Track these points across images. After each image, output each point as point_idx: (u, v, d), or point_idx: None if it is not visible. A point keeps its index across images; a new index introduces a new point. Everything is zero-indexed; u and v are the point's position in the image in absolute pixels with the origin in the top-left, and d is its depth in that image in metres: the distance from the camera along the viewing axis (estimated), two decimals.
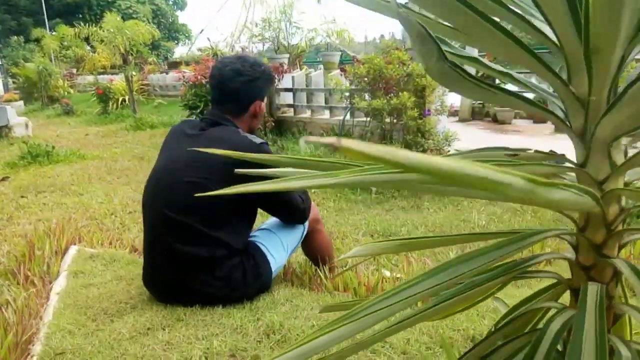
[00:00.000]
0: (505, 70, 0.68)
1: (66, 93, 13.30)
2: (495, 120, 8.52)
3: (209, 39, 15.72)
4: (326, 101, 6.74)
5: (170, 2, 22.74)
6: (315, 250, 2.17)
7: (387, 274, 2.40)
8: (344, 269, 2.23)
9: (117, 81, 11.40)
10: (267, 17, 7.39)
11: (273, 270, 1.92)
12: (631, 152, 0.61)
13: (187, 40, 22.23)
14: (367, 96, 4.69)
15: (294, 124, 6.86)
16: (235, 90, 1.86)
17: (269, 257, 1.90)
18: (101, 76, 12.97)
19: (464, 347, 1.51)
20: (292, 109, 7.03)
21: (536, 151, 0.66)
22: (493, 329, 0.83)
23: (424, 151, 4.54)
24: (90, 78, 13.86)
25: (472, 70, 0.68)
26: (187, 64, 15.52)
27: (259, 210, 1.94)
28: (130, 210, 3.98)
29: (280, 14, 7.68)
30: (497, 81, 1.26)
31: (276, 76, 6.77)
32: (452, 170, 0.32)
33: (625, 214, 0.64)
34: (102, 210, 3.93)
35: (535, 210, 3.74)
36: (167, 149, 1.91)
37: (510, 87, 0.79)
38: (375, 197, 4.20)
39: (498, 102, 0.64)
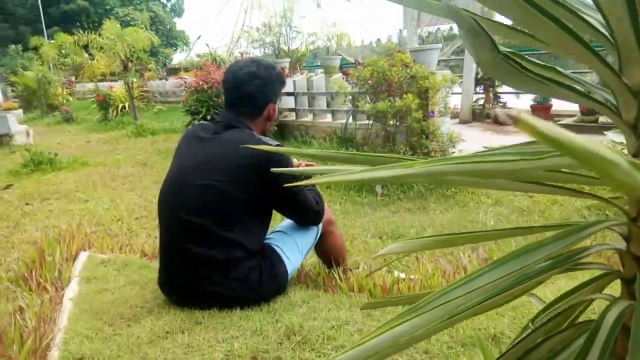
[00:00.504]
0: (547, 64, 0.68)
1: (65, 101, 13.31)
2: (496, 121, 8.52)
3: (207, 45, 15.71)
4: (328, 105, 6.75)
5: (168, 9, 22.83)
6: (328, 251, 2.17)
7: (402, 275, 2.39)
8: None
9: (117, 88, 11.41)
10: (267, 22, 7.41)
11: (289, 272, 1.92)
12: None
13: (185, 47, 22.33)
14: (368, 98, 4.70)
15: (296, 128, 6.87)
16: (251, 93, 1.86)
17: (285, 259, 1.90)
18: (101, 83, 12.98)
19: (485, 346, 1.51)
20: (293, 113, 7.04)
21: None
22: (532, 326, 0.83)
23: (428, 153, 4.55)
24: (90, 85, 13.87)
25: None
26: (186, 70, 15.54)
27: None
28: (137, 216, 3.98)
29: (280, 19, 7.70)
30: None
31: None
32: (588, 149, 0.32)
33: None
34: (109, 217, 3.93)
35: (543, 211, 3.75)
36: (180, 153, 1.91)
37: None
38: (381, 199, 4.20)
39: (550, 94, 0.65)
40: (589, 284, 0.77)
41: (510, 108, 8.65)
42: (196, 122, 6.83)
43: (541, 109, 8.40)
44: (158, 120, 10.40)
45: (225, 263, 1.74)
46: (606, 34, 0.57)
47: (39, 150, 6.24)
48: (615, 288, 0.72)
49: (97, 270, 2.42)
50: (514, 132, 7.90)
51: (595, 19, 0.58)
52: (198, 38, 21.30)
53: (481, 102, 9.09)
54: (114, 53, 9.16)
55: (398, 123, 4.62)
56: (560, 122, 7.66)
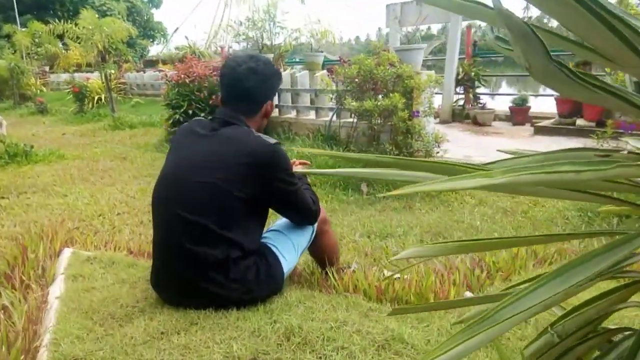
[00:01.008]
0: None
1: (39, 91, 12.93)
2: (476, 122, 8.63)
3: (186, 38, 15.52)
4: (311, 102, 6.72)
5: (146, 0, 22.38)
6: (322, 251, 2.16)
7: (388, 274, 2.39)
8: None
9: (94, 79, 11.14)
10: (251, 16, 7.34)
11: (285, 272, 1.90)
12: None
13: (162, 39, 21.97)
14: (354, 97, 4.70)
15: (279, 124, 6.82)
16: (250, 89, 1.84)
17: (281, 259, 1.89)
18: (77, 74, 12.66)
19: (484, 346, 1.52)
20: (277, 110, 6.99)
21: (629, 152, 0.66)
22: (552, 332, 0.84)
23: (412, 152, 4.58)
24: (65, 76, 13.50)
25: None
26: (164, 62, 15.29)
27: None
28: (119, 212, 3.90)
29: (264, 14, 7.63)
30: None
31: None
32: None
33: None
34: (89, 212, 3.84)
35: (525, 211, 3.81)
36: (178, 149, 1.87)
37: None
38: (367, 197, 4.21)
39: (602, 103, 0.65)
40: (614, 292, 0.78)
41: (489, 109, 8.78)
42: (177, 116, 6.72)
43: (520, 110, 8.55)
44: (136, 113, 10.21)
45: (224, 263, 1.71)
46: None
47: (13, 141, 6.05)
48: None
49: (83, 267, 2.36)
50: (493, 133, 8.01)
51: None
52: (175, 30, 21.00)
53: (461, 102, 9.19)
54: (91, 43, 8.93)
55: (382, 122, 4.63)
56: (539, 124, 7.80)
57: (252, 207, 1.79)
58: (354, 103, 4.28)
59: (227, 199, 1.72)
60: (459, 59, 8.97)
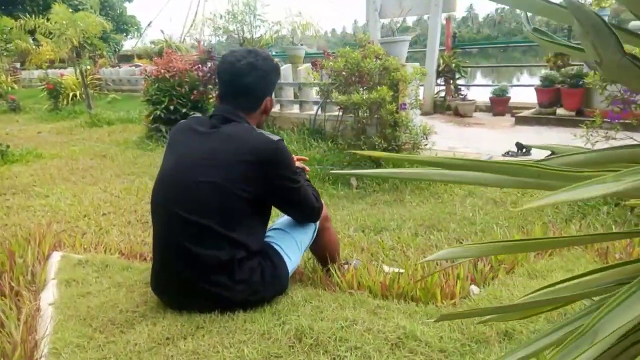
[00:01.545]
0: None
1: (10, 89, 12.53)
2: (457, 113, 8.69)
3: (162, 32, 15.22)
4: (295, 95, 6.66)
5: None
6: (324, 248, 2.13)
7: (387, 269, 2.37)
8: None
9: (68, 76, 10.83)
10: (231, 9, 7.20)
11: (289, 271, 1.87)
12: None
13: (136, 33, 21.51)
14: (340, 90, 4.66)
15: None
16: (250, 85, 1.78)
17: (285, 258, 1.85)
18: (50, 70, 12.29)
19: (499, 341, 1.52)
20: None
21: None
22: None
23: (401, 145, 4.57)
24: (37, 73, 13.11)
25: None
26: (140, 57, 14.99)
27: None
28: (104, 212, 3.80)
29: (244, 6, 7.51)
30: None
31: None
32: None
33: None
34: (74, 213, 3.73)
35: (515, 201, 3.83)
36: (176, 147, 1.81)
37: None
38: (357, 191, 4.19)
39: None
40: None
41: (470, 100, 8.84)
42: (158, 112, 6.59)
43: (500, 101, 8.64)
44: (113, 109, 9.97)
45: (229, 264, 1.67)
46: None
47: None
48: None
49: (75, 271, 2.28)
50: (474, 124, 8.07)
51: None
52: (149, 24, 20.51)
53: (442, 94, 9.23)
54: (65, 39, 8.67)
55: (369, 115, 4.61)
56: (519, 114, 7.89)
57: (255, 206, 1.74)
58: (341, 96, 4.24)
59: (231, 199, 1.67)
60: (439, 50, 9.00)
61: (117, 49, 17.23)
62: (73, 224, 3.46)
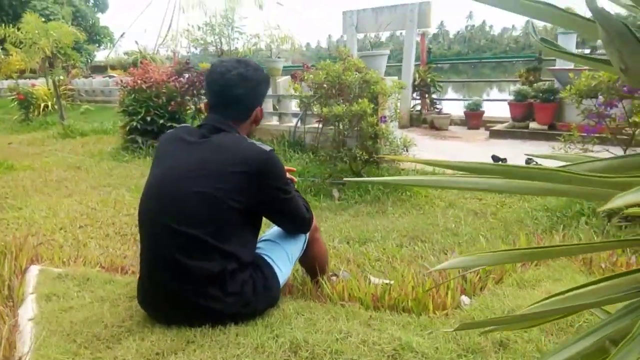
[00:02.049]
0: None
1: None
2: (433, 126, 8.82)
3: (137, 42, 15.04)
4: (274, 108, 6.66)
5: (91, 4, 21.48)
6: (313, 259, 2.11)
7: (374, 280, 2.36)
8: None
9: (39, 86, 10.58)
10: (209, 20, 7.19)
11: (281, 283, 1.84)
12: None
13: (109, 44, 21.17)
14: (321, 102, 4.67)
15: None
16: (241, 96, 1.77)
17: (276, 269, 1.82)
18: (21, 80, 11.98)
19: (494, 351, 1.52)
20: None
21: None
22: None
23: (381, 157, 4.60)
24: (7, 83, 12.76)
25: None
26: (113, 67, 14.79)
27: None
28: (81, 225, 3.69)
29: (221, 18, 7.50)
30: None
31: None
32: None
33: None
34: (49, 226, 3.61)
35: (494, 213, 3.89)
36: (165, 158, 1.77)
37: None
38: (339, 203, 4.19)
39: None
40: None
41: (446, 114, 8.99)
42: (134, 123, 6.49)
43: (474, 115, 8.80)
44: (86, 120, 9.79)
45: (221, 276, 1.63)
46: None
47: None
48: None
49: (55, 285, 2.21)
50: (450, 137, 8.20)
51: None
52: (122, 35, 20.18)
53: (418, 107, 9.37)
54: (37, 48, 8.48)
55: (350, 127, 4.63)
56: (494, 128, 8.05)
57: (246, 217, 1.72)
58: (324, 109, 4.26)
59: (223, 209, 1.64)
60: (414, 65, 9.14)
61: (89, 60, 16.95)
62: (49, 236, 3.35)
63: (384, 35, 8.46)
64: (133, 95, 6.53)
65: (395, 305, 1.89)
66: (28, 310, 2.01)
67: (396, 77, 5.25)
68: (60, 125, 8.79)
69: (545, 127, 7.60)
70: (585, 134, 3.46)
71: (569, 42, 8.17)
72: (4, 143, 7.93)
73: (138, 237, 3.38)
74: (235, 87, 1.76)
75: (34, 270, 2.40)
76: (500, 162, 5.53)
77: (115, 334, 1.73)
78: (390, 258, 2.89)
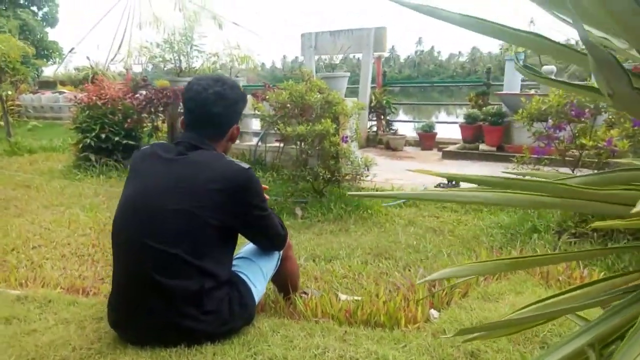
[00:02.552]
0: None
1: None
2: (388, 147, 9.04)
3: (88, 58, 14.63)
4: None
5: (39, 18, 20.77)
6: (286, 276, 2.12)
7: (343, 297, 2.40)
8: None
9: None
10: (167, 38, 7.12)
11: (256, 300, 1.85)
12: None
13: (58, 59, 20.52)
14: (282, 122, 4.72)
15: None
16: (218, 114, 1.78)
17: (252, 287, 1.83)
18: None
19: None
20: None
21: None
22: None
23: (343, 176, 4.69)
24: None
25: None
26: (63, 83, 14.33)
27: None
28: (34, 245, 3.54)
29: (180, 36, 7.45)
30: None
31: (181, 99, 6.55)
32: None
33: None
34: (0, 247, 3.44)
35: (452, 230, 4.03)
36: (139, 175, 1.75)
37: None
38: (302, 221, 4.21)
39: None
40: None
41: (401, 135, 9.24)
42: (88, 140, 6.30)
43: (428, 136, 9.10)
44: (34, 137, 9.40)
45: (198, 294, 1.62)
46: None
47: None
48: None
49: (15, 308, 2.12)
50: (405, 157, 8.43)
51: None
52: (71, 50, 19.57)
53: (374, 129, 9.58)
54: None
55: (310, 146, 4.69)
56: (446, 149, 8.34)
57: (224, 234, 1.73)
58: (288, 128, 4.30)
59: (201, 227, 1.64)
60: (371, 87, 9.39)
61: (37, 75, 16.35)
62: (1, 258, 3.20)
63: (337, 58, 8.65)
64: (87, 112, 6.36)
65: (367, 320, 1.93)
66: None
67: (356, 99, 5.37)
68: (6, 142, 8.41)
69: (494, 148, 7.96)
70: (536, 155, 3.66)
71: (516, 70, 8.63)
72: None
73: (96, 258, 3.34)
74: (213, 106, 1.78)
75: None
76: (453, 182, 5.76)
77: (85, 357, 1.68)
78: (357, 275, 2.94)
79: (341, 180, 4.74)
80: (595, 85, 0.69)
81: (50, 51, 19.74)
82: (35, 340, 1.81)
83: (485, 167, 7.21)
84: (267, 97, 4.78)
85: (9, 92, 9.22)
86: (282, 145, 5.46)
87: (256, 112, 5.17)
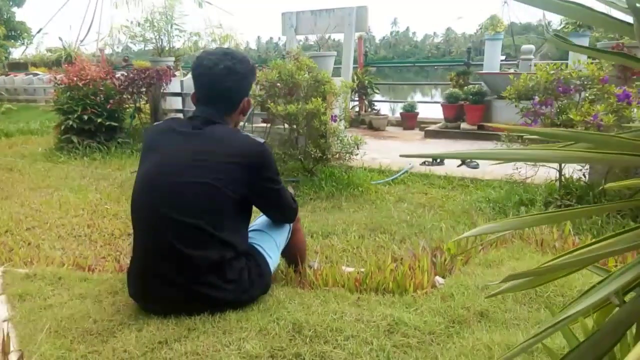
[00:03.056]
0: None
1: None
2: (371, 127, 9.11)
3: (61, 39, 14.24)
4: None
5: None
6: (295, 248, 2.18)
7: (348, 269, 2.47)
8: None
9: None
10: (149, 17, 7.01)
11: (271, 270, 1.91)
12: None
13: (27, 40, 19.87)
14: (274, 101, 4.73)
15: None
16: (228, 89, 1.81)
17: (267, 258, 1.89)
18: None
19: (477, 321, 1.67)
20: (181, 115, 6.76)
21: None
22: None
23: (333, 155, 4.74)
24: None
25: None
26: (35, 65, 13.93)
27: None
28: (28, 227, 3.51)
29: (160, 15, 7.33)
30: None
31: (164, 80, 6.48)
32: None
33: None
34: None
35: (441, 205, 4.14)
36: (159, 149, 1.77)
37: None
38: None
39: None
40: None
41: (383, 115, 9.32)
42: (70, 122, 6.20)
43: (410, 116, 9.20)
44: (9, 120, 9.17)
45: (220, 264, 1.67)
46: None
47: None
48: None
49: (26, 286, 2.13)
50: (388, 137, 8.52)
51: None
52: (39, 31, 18.86)
53: (356, 109, 9.64)
54: None
55: (303, 125, 4.72)
56: (428, 128, 8.46)
57: (241, 206, 1.77)
58: (279, 107, 4.32)
59: (221, 199, 1.68)
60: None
61: (6, 57, 15.80)
62: None
63: (312, 38, 8.61)
64: (68, 93, 6.24)
65: (377, 287, 2.01)
66: (1, 311, 1.93)
67: (342, 78, 5.40)
68: None
69: (475, 127, 8.11)
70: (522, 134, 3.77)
71: (495, 48, 8.79)
72: None
73: (93, 238, 3.34)
74: (223, 81, 1.80)
75: None
76: (438, 160, 5.88)
77: (108, 328, 1.72)
78: (355, 249, 3.02)
79: (331, 159, 4.80)
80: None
81: (19, 32, 19.06)
82: (53, 314, 1.83)
83: (467, 145, 7.35)
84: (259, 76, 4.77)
85: None
86: (268, 125, 5.47)
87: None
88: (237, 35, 7.53)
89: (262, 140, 1.79)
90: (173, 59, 6.96)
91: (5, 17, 18.55)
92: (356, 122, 9.41)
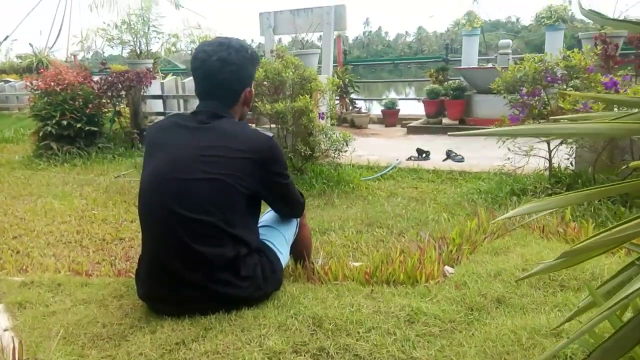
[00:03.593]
0: None
1: None
2: (353, 125, 9.13)
3: (31, 45, 13.87)
4: None
5: None
6: (301, 244, 2.15)
7: (353, 264, 2.45)
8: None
9: None
10: (126, 19, 6.87)
11: (283, 267, 1.88)
12: None
13: None
14: (257, 100, 4.69)
15: None
16: (225, 81, 1.75)
17: (278, 254, 1.86)
18: None
19: (495, 307, 1.67)
20: (162, 118, 6.66)
21: None
22: None
23: (322, 152, 4.72)
24: None
25: None
26: (6, 72, 13.56)
27: None
28: (15, 235, 3.40)
29: (136, 17, 7.20)
30: None
31: (144, 82, 6.37)
32: None
33: None
34: None
35: (433, 198, 4.16)
36: (165, 145, 1.72)
37: None
38: None
39: None
40: None
41: (365, 112, 9.35)
42: (49, 128, 6.03)
43: (391, 113, 9.25)
44: None
45: (235, 261, 1.63)
46: None
47: None
48: None
49: (24, 293, 2.05)
50: (371, 134, 8.54)
51: None
52: (6, 38, 18.27)
53: (338, 107, 9.64)
54: None
55: (291, 123, 4.68)
56: (410, 125, 8.52)
57: (251, 201, 1.74)
58: (267, 106, 4.28)
59: (232, 195, 1.65)
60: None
61: None
62: None
63: (286, 39, 8.57)
64: (45, 99, 6.07)
65: (387, 280, 1.99)
66: (1, 321, 1.85)
67: (328, 75, 5.39)
68: None
69: (457, 122, 8.21)
70: (512, 123, 3.81)
71: (473, 43, 8.91)
72: None
73: (84, 244, 3.24)
74: (218, 73, 1.74)
75: None
76: (424, 155, 5.92)
77: (118, 332, 1.66)
78: (355, 244, 3.01)
79: (319, 157, 4.78)
80: None
81: None
82: (59, 321, 1.76)
83: (450, 140, 7.41)
84: None
85: None
86: (254, 126, 5.42)
87: None
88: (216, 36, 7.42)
89: (270, 134, 1.76)
90: (152, 61, 6.84)
91: None
92: (338, 120, 9.40)
